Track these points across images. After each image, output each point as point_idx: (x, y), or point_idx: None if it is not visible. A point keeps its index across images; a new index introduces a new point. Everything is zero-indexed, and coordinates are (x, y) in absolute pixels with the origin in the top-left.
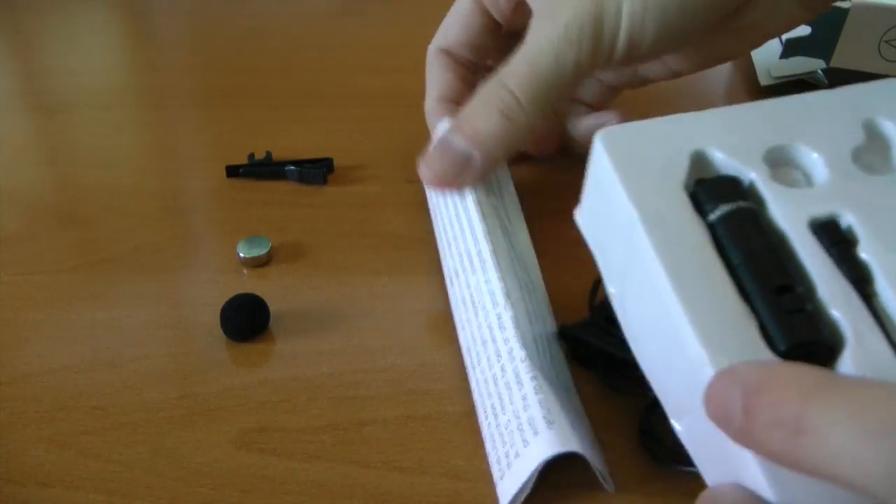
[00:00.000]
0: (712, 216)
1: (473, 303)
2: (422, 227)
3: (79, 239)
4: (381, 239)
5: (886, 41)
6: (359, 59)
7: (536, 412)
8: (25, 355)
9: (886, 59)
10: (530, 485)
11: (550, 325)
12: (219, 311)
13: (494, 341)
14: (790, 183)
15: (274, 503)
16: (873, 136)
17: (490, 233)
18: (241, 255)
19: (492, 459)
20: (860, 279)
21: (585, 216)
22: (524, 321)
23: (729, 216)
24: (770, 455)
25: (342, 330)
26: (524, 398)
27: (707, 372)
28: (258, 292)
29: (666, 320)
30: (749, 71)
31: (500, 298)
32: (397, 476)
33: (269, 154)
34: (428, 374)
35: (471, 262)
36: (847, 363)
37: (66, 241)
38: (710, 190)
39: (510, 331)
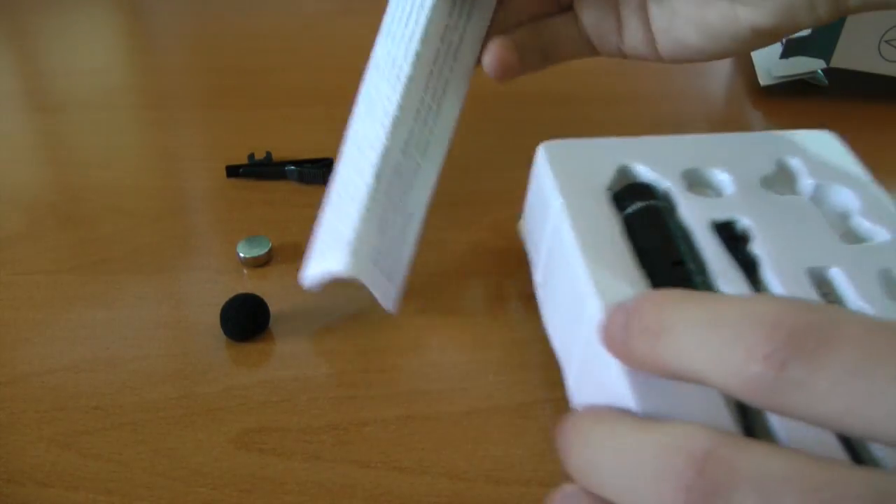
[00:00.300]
0: (627, 210)
1: (373, 106)
2: None
3: (79, 239)
4: None
5: (886, 41)
6: (359, 59)
7: (349, 233)
8: (25, 355)
9: (886, 59)
10: (325, 280)
11: (438, 156)
12: (219, 311)
13: (363, 153)
14: (702, 195)
15: (274, 503)
16: (783, 169)
17: (420, 56)
18: (241, 255)
19: (318, 232)
20: (749, 266)
21: (526, 222)
22: (397, 151)
23: (641, 211)
24: (640, 364)
25: (342, 330)
26: (349, 216)
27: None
28: (258, 292)
29: (574, 288)
30: (749, 71)
31: (388, 123)
32: (397, 476)
33: (269, 154)
34: (428, 374)
35: (391, 69)
36: None
37: (66, 241)
38: (629, 191)
39: (376, 155)
